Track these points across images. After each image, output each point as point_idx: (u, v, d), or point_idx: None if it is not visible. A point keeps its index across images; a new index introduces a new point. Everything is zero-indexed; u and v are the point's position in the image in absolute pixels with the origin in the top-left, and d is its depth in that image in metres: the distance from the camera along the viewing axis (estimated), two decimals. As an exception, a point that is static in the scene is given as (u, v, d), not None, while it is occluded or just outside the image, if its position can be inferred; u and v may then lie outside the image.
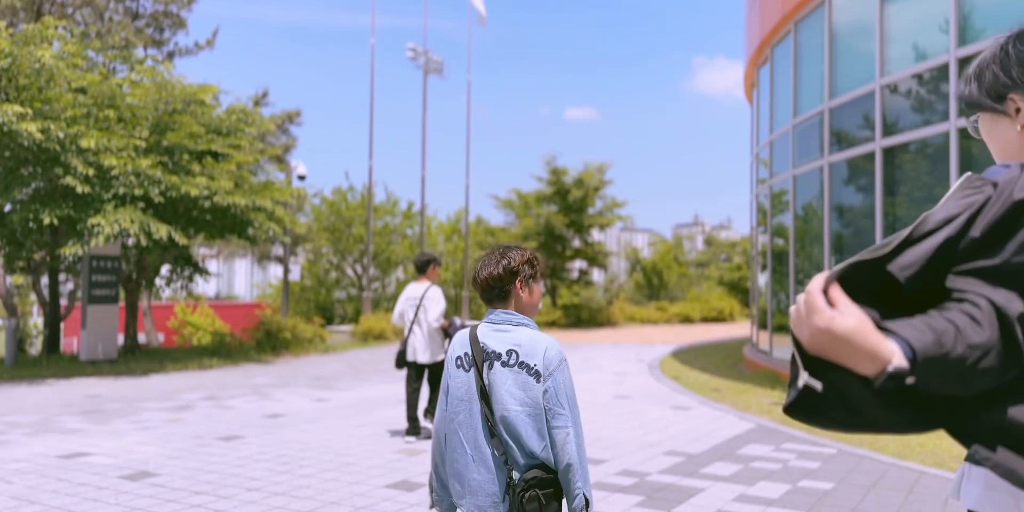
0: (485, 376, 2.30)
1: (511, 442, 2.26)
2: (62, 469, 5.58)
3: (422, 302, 6.66)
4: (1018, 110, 1.35)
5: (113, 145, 11.62)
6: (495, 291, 2.40)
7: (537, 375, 2.26)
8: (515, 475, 2.24)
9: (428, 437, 6.59)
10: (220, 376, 11.76)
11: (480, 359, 2.32)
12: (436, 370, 6.71)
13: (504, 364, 2.30)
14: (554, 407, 2.25)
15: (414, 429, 6.67)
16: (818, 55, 10.59)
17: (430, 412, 6.94)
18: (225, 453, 6.13)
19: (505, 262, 2.38)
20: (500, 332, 2.35)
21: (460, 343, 2.42)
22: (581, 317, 27.44)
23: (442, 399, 2.45)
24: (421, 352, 6.61)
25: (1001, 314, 1.05)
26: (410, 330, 6.64)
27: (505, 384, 2.27)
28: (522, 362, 2.29)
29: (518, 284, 2.39)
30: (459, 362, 2.39)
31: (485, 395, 2.29)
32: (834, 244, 10.11)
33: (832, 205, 10.14)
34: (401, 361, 6.64)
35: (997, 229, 1.13)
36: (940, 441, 6.66)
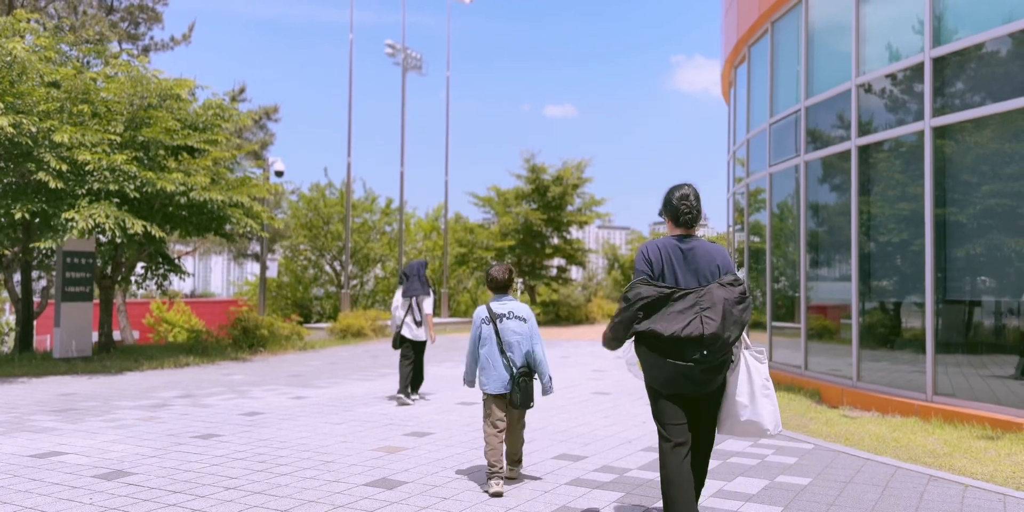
0: (497, 326, 5.05)
1: (511, 356, 4.99)
2: (35, 469, 5.51)
3: (413, 302, 8.90)
4: (667, 220, 3.96)
5: (87, 140, 11.46)
6: (504, 284, 5.26)
7: (524, 320, 5.09)
8: (514, 371, 4.95)
9: (402, 403, 8.55)
10: (196, 374, 11.66)
11: (494, 317, 5.08)
12: (423, 346, 9.07)
13: (507, 319, 5.07)
14: (533, 336, 5.08)
15: (404, 390, 8.68)
16: (795, 54, 10.66)
17: (416, 390, 9.07)
18: (202, 452, 6.08)
19: (511, 273, 5.28)
20: (503, 305, 5.15)
21: (482, 311, 5.13)
22: (560, 314, 27.49)
23: (473, 339, 5.16)
24: (416, 334, 8.86)
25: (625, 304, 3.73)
26: (403, 321, 8.85)
27: (510, 327, 5.04)
28: (517, 316, 5.09)
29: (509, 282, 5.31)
30: (484, 320, 5.11)
31: (498, 334, 5.03)
32: (809, 242, 10.20)
33: (808, 203, 10.23)
34: (398, 342, 8.88)
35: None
36: (915, 436, 6.75)
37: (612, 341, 3.80)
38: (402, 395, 8.58)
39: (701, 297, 3.63)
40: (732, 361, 3.77)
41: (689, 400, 3.80)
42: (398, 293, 9.07)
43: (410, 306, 8.89)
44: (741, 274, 13.64)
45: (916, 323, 8.17)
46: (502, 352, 4.97)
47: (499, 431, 4.93)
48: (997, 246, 7.35)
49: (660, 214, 4.03)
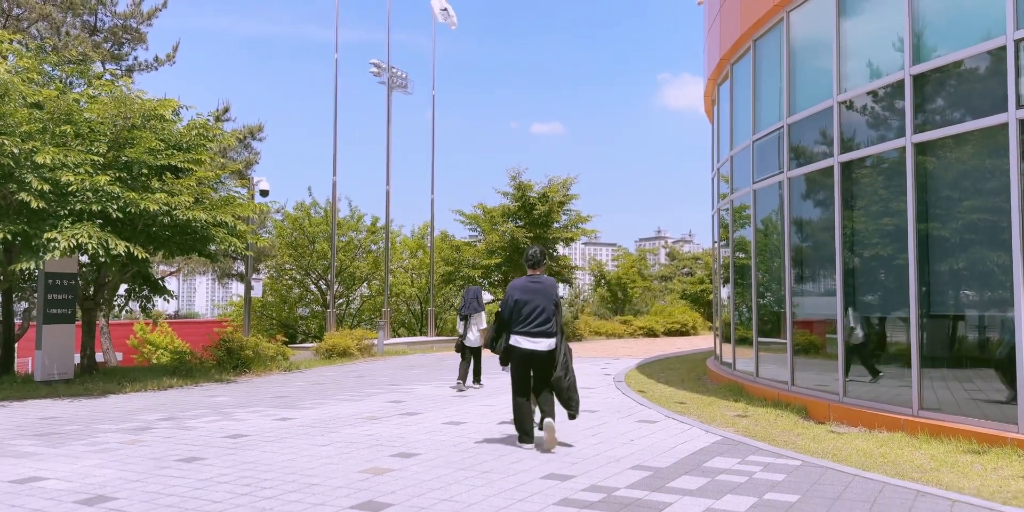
0: None
1: None
2: (14, 494, 5.42)
3: (470, 317, 11.68)
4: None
5: (70, 161, 11.39)
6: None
7: None
8: None
9: (460, 390, 11.64)
10: (180, 396, 11.54)
11: None
12: (479, 351, 12.05)
13: None
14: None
15: (462, 386, 11.75)
16: (777, 72, 10.77)
17: (477, 381, 12.14)
18: (185, 475, 6.00)
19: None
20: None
21: None
22: (547, 332, 27.32)
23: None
24: (471, 341, 11.74)
25: (499, 316, 7.14)
26: (465, 333, 11.73)
27: None
28: None
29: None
30: None
31: None
32: (794, 257, 10.25)
33: (792, 219, 10.29)
34: (459, 347, 11.98)
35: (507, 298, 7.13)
36: (902, 452, 6.75)
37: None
38: (460, 382, 11.75)
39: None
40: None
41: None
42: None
43: (467, 321, 11.67)
44: (726, 291, 13.73)
45: (901, 338, 8.20)
46: None
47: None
48: (980, 260, 7.41)
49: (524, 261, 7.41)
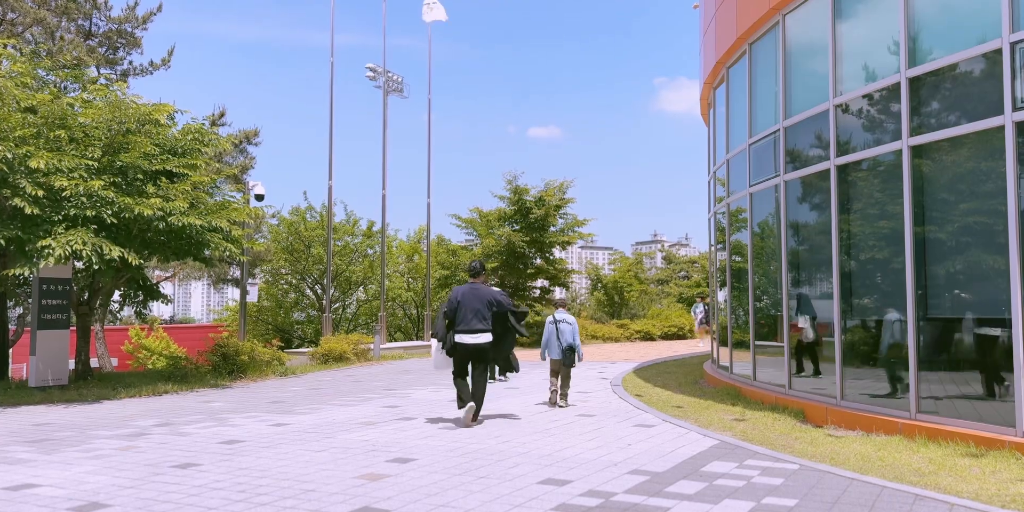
0: (557, 325, 10.03)
1: (563, 341, 9.94)
2: (7, 501, 5.37)
3: None
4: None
5: (64, 166, 11.34)
6: (561, 306, 10.35)
7: (570, 324, 10.04)
8: (562, 347, 9.94)
9: (504, 379, 13.80)
10: (175, 401, 11.48)
11: (556, 321, 10.05)
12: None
13: (563, 323, 10.02)
14: (575, 331, 10.02)
15: (496, 375, 13.50)
16: (772, 75, 10.77)
17: (504, 373, 12.57)
18: (180, 482, 5.95)
19: (562, 303, 10.49)
20: (560, 314, 10.13)
21: (550, 318, 10.13)
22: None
23: (545, 333, 10.23)
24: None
25: (445, 315, 8.82)
26: None
27: (564, 326, 10.01)
28: (567, 322, 10.04)
29: (567, 305, 10.51)
30: (550, 322, 10.10)
31: (558, 331, 9.98)
32: (791, 261, 10.24)
33: (788, 222, 10.29)
34: None
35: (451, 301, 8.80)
36: (900, 455, 6.73)
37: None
38: (500, 377, 13.59)
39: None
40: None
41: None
42: None
43: None
44: (723, 294, 13.71)
45: (898, 340, 8.18)
46: (558, 338, 9.89)
47: (554, 376, 10.08)
48: (976, 263, 7.40)
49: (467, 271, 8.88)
